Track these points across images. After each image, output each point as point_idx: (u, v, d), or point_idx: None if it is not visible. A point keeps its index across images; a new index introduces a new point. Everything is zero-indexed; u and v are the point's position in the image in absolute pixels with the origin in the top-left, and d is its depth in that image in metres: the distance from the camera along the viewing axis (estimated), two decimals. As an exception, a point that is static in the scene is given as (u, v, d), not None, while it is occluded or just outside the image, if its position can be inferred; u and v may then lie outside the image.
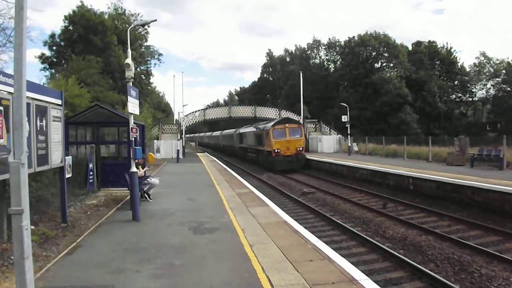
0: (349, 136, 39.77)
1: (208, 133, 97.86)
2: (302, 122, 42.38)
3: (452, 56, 73.48)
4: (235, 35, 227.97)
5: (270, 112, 56.46)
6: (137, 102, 11.64)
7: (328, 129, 48.13)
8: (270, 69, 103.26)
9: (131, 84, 11.12)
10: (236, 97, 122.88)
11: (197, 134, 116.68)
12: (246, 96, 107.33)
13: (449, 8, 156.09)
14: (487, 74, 69.09)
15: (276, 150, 32.39)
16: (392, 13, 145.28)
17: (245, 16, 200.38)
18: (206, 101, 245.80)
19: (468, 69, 72.02)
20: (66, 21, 39.95)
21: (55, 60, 40.75)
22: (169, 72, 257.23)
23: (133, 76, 11.30)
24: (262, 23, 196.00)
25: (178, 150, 40.59)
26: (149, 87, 52.20)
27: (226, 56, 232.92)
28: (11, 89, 5.93)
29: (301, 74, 49.74)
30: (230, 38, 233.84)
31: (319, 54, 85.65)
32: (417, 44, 75.91)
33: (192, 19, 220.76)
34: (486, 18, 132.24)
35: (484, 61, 70.44)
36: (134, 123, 11.69)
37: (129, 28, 16.62)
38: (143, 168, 14.38)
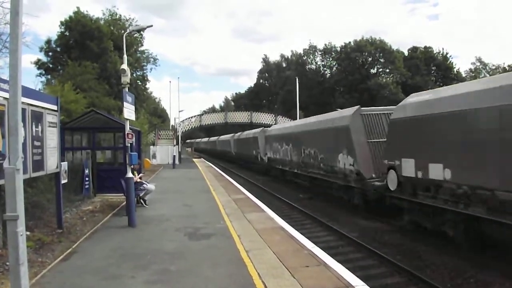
0: None
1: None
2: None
3: (448, 62, 73.99)
4: (228, 40, 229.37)
5: (266, 118, 56.72)
6: (133, 107, 11.63)
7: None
8: (266, 75, 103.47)
9: (127, 90, 11.12)
10: (232, 103, 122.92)
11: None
12: (242, 101, 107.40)
13: (444, 14, 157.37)
14: (483, 79, 69.48)
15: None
16: (387, 18, 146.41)
17: (238, 21, 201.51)
18: (202, 107, 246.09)
19: (464, 75, 72.47)
20: (62, 27, 39.94)
21: (51, 65, 40.61)
22: (164, 77, 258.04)
23: (129, 81, 11.31)
24: (256, 29, 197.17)
25: (174, 156, 40.57)
26: (145, 93, 52.13)
27: (220, 61, 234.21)
28: (7, 95, 5.91)
29: (297, 79, 49.89)
30: (224, 43, 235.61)
31: (315, 60, 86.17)
32: (413, 49, 76.45)
33: (186, 25, 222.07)
34: (481, 24, 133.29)
35: (480, 66, 70.99)
36: (130, 128, 11.71)
37: (125, 34, 16.62)
38: (139, 174, 14.34)
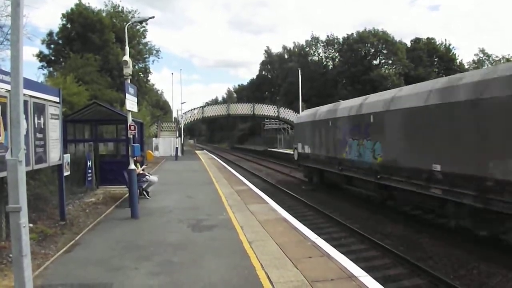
0: None
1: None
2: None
3: (451, 53, 73.53)
4: (225, 32, 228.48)
5: (268, 110, 56.58)
6: (135, 99, 11.61)
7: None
8: (269, 66, 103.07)
9: (129, 82, 11.09)
10: (235, 95, 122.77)
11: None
12: (244, 93, 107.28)
13: (445, 5, 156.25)
14: (486, 71, 68.88)
15: None
16: (386, 9, 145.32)
17: (234, 13, 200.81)
18: (202, 99, 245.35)
19: (467, 66, 71.90)
20: (64, 19, 39.88)
21: (53, 58, 40.64)
22: (163, 69, 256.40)
23: (131, 73, 11.26)
24: (253, 20, 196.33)
25: (176, 148, 40.60)
26: (147, 85, 52.10)
27: (218, 53, 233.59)
28: (9, 87, 5.89)
29: (299, 71, 49.63)
30: (222, 35, 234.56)
31: (317, 51, 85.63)
32: (416, 41, 75.95)
33: (181, 16, 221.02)
34: (482, 15, 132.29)
35: (483, 58, 70.39)
36: (133, 120, 11.68)
37: (127, 25, 16.53)
38: (141, 166, 14.36)
